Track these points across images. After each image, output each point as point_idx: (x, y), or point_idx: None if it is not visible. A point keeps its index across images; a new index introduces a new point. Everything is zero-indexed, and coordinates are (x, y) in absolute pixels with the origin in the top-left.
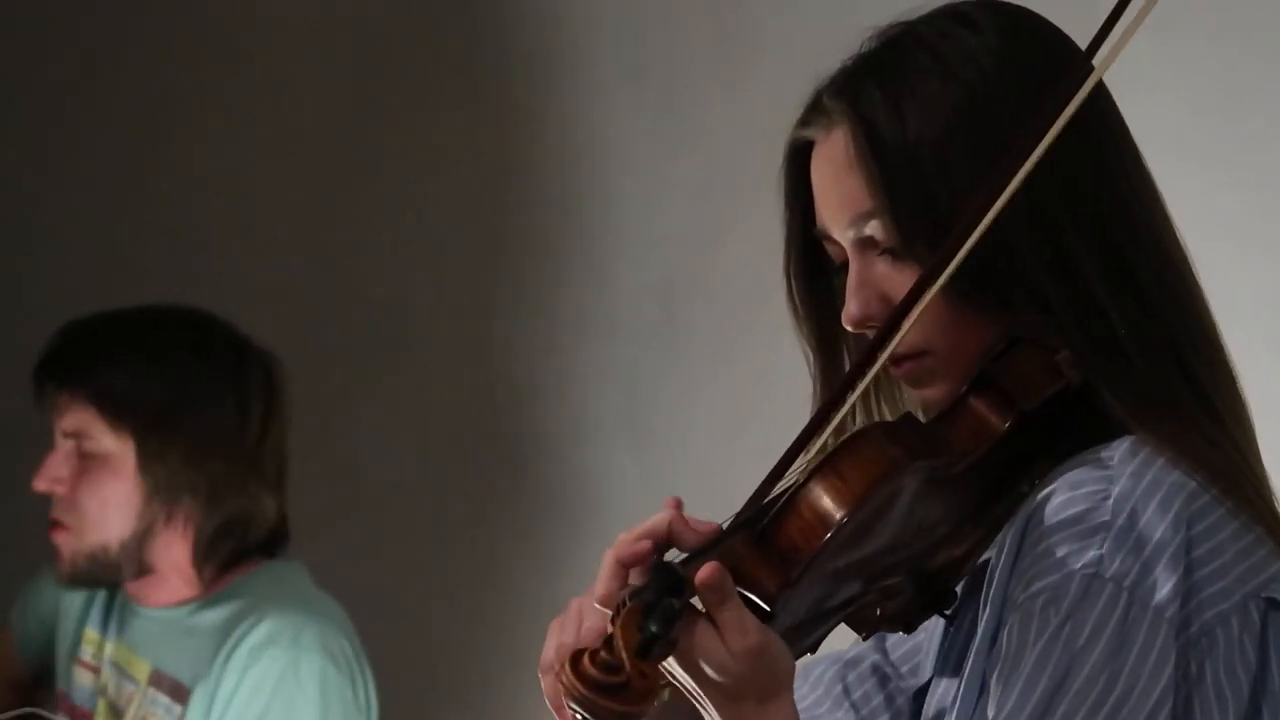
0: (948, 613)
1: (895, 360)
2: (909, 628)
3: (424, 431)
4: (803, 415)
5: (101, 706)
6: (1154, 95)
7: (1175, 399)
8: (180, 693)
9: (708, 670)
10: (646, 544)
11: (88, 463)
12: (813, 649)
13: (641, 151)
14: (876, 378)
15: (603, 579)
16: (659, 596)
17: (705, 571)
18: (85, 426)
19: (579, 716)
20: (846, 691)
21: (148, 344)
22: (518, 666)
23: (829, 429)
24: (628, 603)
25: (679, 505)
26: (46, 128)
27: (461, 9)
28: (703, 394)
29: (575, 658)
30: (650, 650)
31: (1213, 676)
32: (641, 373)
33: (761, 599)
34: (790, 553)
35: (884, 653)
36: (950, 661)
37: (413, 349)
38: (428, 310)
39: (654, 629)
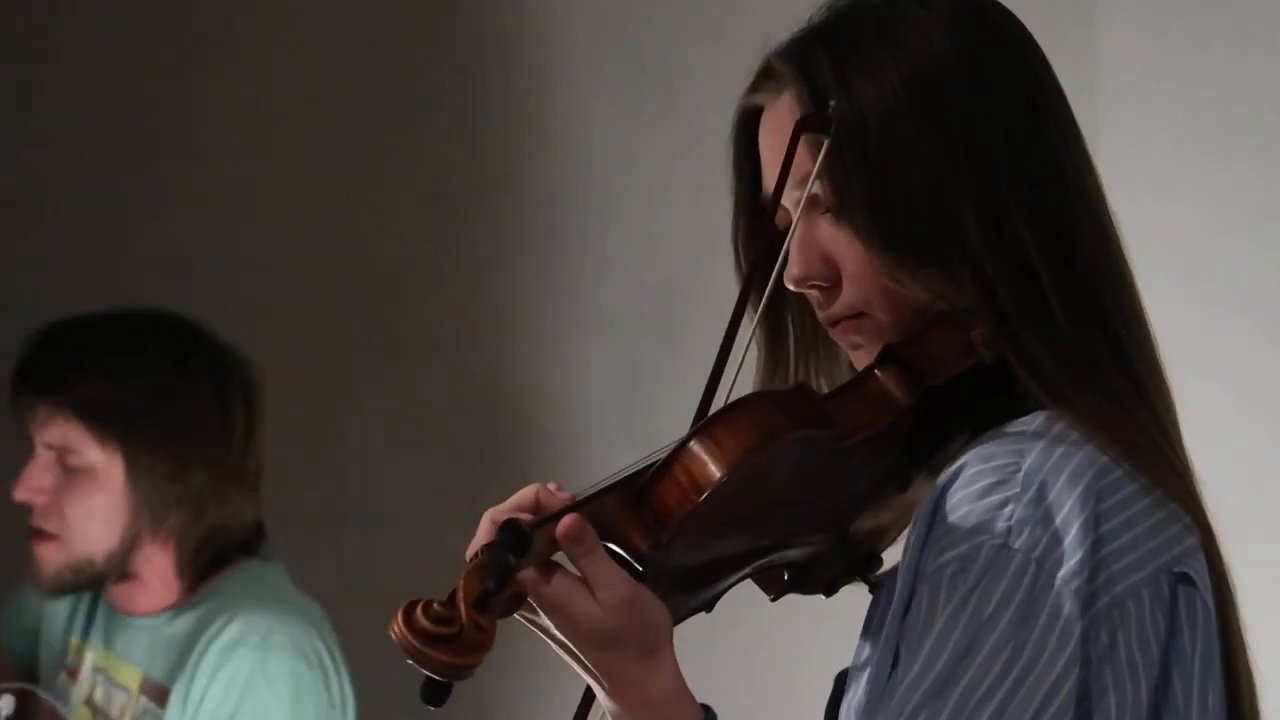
0: (873, 578)
1: (833, 321)
2: (829, 590)
3: (422, 432)
4: None
5: (85, 714)
6: (1155, 94)
7: (1100, 369)
8: (165, 697)
9: (582, 625)
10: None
11: (73, 476)
12: (707, 608)
13: (641, 151)
14: (816, 351)
15: (475, 542)
16: (501, 551)
17: (564, 524)
18: (71, 441)
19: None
20: None
21: (130, 352)
22: (514, 667)
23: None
24: (479, 557)
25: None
26: (38, 133)
27: (460, 10)
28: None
29: (409, 609)
30: (486, 603)
31: (1125, 648)
32: (641, 372)
33: (633, 557)
34: (663, 514)
35: None
36: (871, 628)
37: (411, 349)
38: (426, 311)
39: (490, 583)
